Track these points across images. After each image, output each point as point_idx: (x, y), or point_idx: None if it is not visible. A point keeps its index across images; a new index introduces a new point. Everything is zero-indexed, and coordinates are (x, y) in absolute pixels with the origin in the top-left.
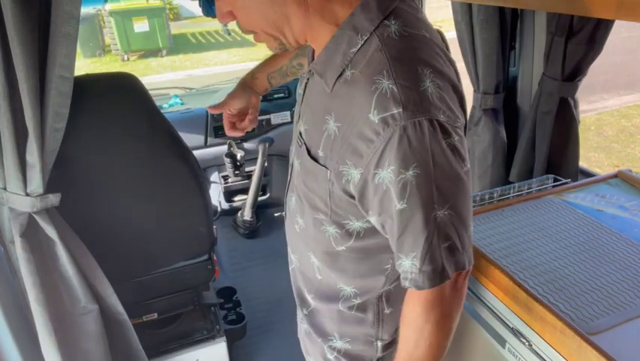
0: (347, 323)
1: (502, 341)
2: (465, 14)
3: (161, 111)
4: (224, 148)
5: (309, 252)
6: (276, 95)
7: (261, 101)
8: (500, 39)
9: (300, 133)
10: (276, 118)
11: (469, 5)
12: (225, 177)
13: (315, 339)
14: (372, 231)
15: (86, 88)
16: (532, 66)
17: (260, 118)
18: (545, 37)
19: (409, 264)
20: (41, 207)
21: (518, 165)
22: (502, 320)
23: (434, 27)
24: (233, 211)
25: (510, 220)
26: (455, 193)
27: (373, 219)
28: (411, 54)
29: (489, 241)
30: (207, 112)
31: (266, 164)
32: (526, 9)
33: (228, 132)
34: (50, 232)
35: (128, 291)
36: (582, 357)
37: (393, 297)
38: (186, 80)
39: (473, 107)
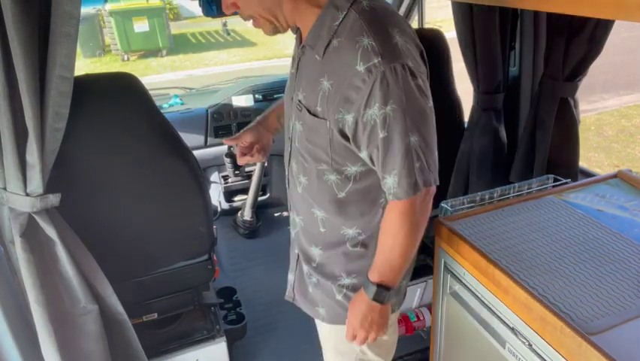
0: (352, 261)
1: (502, 341)
2: (465, 14)
3: (161, 111)
4: (224, 148)
5: (312, 208)
6: (276, 96)
7: (262, 101)
8: (500, 39)
9: (300, 100)
10: None
11: (469, 5)
12: (225, 177)
13: (325, 283)
14: (366, 173)
15: (86, 88)
16: (532, 66)
17: None
18: (545, 38)
19: (391, 181)
20: (41, 208)
21: (518, 165)
22: (502, 319)
23: (434, 27)
24: (233, 211)
25: (510, 220)
26: (422, 123)
27: (364, 154)
28: (381, 19)
29: (489, 241)
30: (207, 112)
31: (266, 164)
32: (526, 9)
33: (239, 161)
34: (50, 232)
35: (128, 291)
36: (582, 357)
37: None
38: (186, 80)
39: (473, 107)
